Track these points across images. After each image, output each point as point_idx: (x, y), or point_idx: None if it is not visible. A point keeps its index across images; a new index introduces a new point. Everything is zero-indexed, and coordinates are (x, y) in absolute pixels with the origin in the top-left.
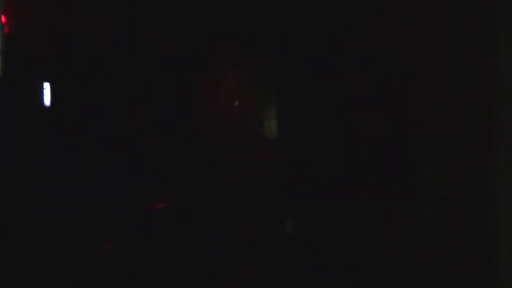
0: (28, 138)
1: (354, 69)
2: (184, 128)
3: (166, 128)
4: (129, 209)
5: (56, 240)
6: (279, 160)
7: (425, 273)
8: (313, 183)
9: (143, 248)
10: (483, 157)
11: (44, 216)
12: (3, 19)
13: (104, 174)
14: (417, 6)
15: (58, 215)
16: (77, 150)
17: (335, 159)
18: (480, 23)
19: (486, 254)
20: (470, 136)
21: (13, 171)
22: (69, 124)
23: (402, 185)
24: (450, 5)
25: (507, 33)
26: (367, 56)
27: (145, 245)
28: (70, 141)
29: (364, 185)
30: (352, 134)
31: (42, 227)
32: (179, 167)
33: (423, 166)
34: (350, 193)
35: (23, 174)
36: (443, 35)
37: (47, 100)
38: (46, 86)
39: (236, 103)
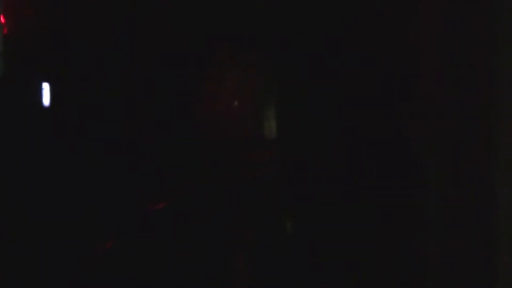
0: (28, 138)
1: (354, 69)
2: (184, 128)
3: (166, 128)
4: (129, 209)
5: (56, 240)
6: (278, 160)
7: (425, 273)
8: (313, 183)
9: (143, 248)
10: (483, 157)
11: (44, 216)
12: (3, 20)
13: (104, 174)
14: (417, 6)
15: (58, 215)
16: (77, 150)
17: (334, 159)
18: (480, 23)
19: (486, 254)
20: (470, 136)
21: (13, 171)
22: (69, 124)
23: (402, 185)
24: (450, 5)
25: (507, 33)
26: (367, 56)
27: (145, 245)
28: (70, 141)
29: (364, 185)
30: (352, 134)
31: (42, 227)
32: (179, 167)
33: (423, 166)
34: (350, 193)
35: (23, 174)
36: (443, 35)
37: (46, 100)
38: (46, 86)
39: (236, 103)
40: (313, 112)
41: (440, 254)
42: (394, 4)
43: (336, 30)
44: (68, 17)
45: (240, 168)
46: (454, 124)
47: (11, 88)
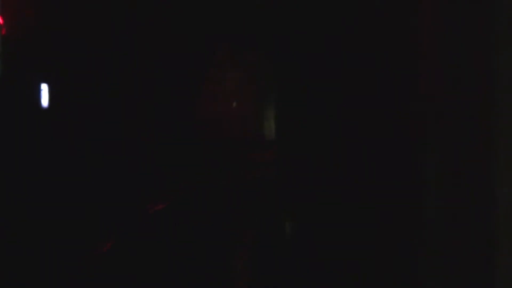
0: (27, 139)
1: (354, 69)
2: (184, 128)
3: (166, 128)
4: (129, 209)
5: (56, 240)
6: (278, 160)
7: (425, 273)
8: (313, 183)
9: (143, 248)
10: (483, 157)
11: (44, 216)
12: (1, 20)
13: (104, 175)
14: (417, 6)
15: (58, 215)
16: (77, 150)
17: (334, 159)
18: (480, 23)
19: (486, 254)
20: (470, 136)
21: (12, 171)
22: (68, 125)
23: (402, 185)
24: (450, 5)
25: (507, 33)
26: (367, 56)
27: (145, 245)
28: (70, 141)
29: (364, 185)
30: (352, 134)
31: (42, 227)
32: (179, 167)
33: (423, 166)
34: (350, 193)
35: (23, 174)
36: (443, 35)
37: (45, 101)
38: (45, 87)
39: (236, 103)
40: (313, 112)
41: (440, 254)
42: (394, 4)
43: (336, 30)
44: (67, 18)
45: (240, 168)
46: (454, 124)
47: (9, 89)
